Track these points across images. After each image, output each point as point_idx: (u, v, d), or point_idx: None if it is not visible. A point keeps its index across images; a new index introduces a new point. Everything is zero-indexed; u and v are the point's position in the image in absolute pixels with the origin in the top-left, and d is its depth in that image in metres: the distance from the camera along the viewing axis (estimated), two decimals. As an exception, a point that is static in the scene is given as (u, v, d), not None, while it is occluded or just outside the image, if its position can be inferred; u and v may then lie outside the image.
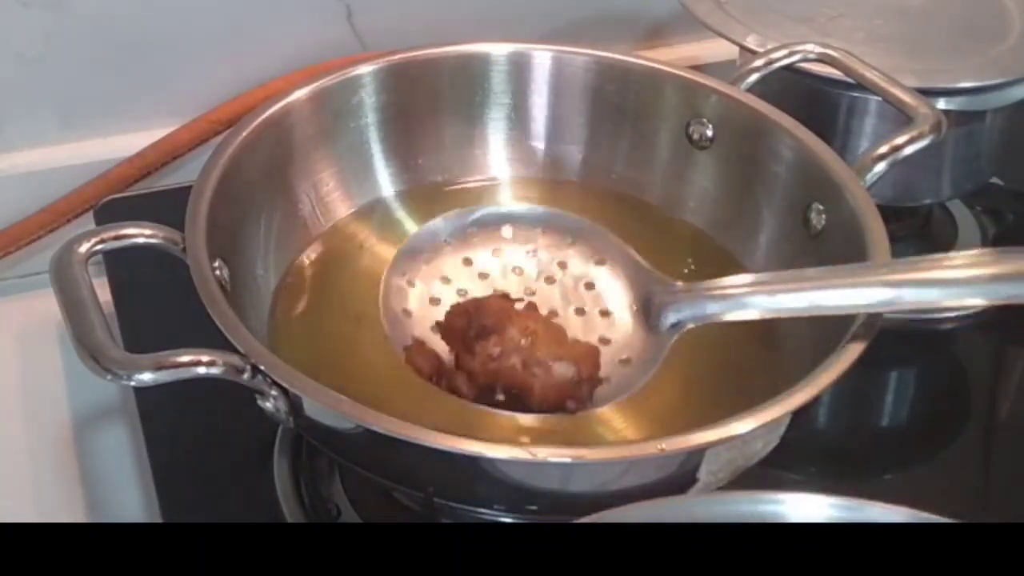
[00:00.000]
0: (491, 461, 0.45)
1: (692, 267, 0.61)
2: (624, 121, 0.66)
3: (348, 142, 0.64)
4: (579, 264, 0.61)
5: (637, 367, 0.56)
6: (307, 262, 0.62)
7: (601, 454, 0.47)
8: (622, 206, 0.65)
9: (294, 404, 0.49)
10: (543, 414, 0.53)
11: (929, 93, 0.62)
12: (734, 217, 0.63)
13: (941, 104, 0.64)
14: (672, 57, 0.82)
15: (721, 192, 0.63)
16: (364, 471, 0.51)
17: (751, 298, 0.54)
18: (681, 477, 0.47)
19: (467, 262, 0.61)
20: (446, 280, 0.60)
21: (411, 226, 0.64)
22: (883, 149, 0.59)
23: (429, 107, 0.66)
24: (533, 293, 0.60)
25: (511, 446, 0.45)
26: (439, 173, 0.66)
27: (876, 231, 0.55)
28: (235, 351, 0.48)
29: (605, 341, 0.58)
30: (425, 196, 0.66)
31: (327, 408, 0.47)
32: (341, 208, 0.64)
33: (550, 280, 0.60)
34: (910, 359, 0.70)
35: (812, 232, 0.59)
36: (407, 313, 0.58)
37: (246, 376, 0.48)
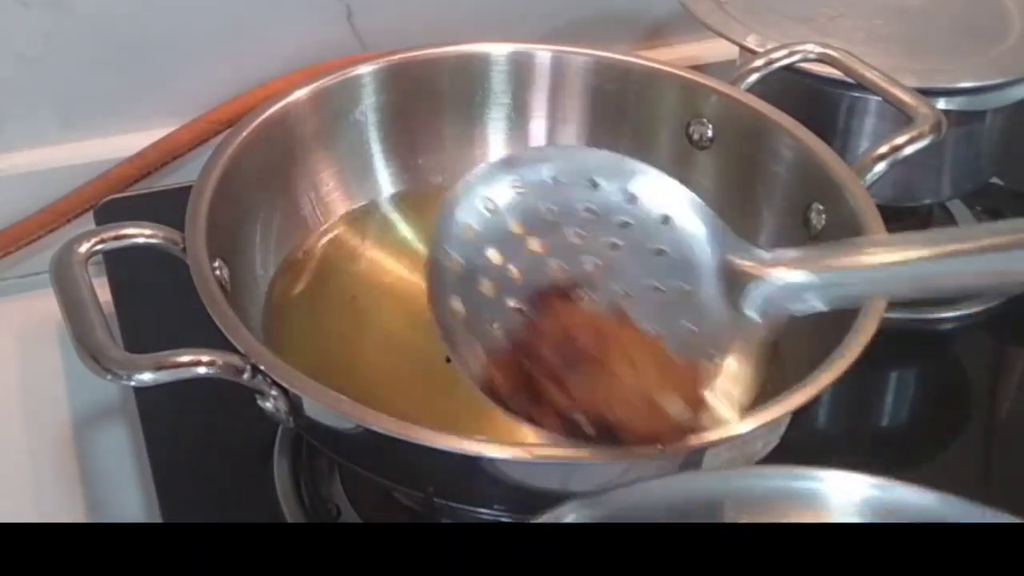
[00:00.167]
0: (491, 461, 0.45)
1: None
2: (624, 121, 0.66)
3: (348, 142, 0.64)
4: (643, 225, 0.50)
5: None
6: (307, 261, 0.62)
7: (601, 454, 0.47)
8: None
9: (294, 404, 0.49)
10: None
11: (929, 93, 0.62)
12: (734, 217, 0.62)
13: (941, 104, 0.64)
14: (672, 57, 0.82)
15: (721, 192, 0.63)
16: (364, 471, 0.51)
17: (903, 271, 0.40)
18: (681, 477, 0.47)
19: (518, 232, 0.49)
20: (502, 260, 0.49)
21: (411, 226, 0.64)
22: (883, 149, 0.59)
23: (429, 107, 0.66)
24: (599, 267, 0.49)
25: (511, 446, 0.45)
26: (439, 173, 0.66)
27: (876, 231, 0.55)
28: (235, 351, 0.48)
29: (691, 333, 0.48)
30: (425, 196, 0.66)
31: (327, 408, 0.47)
32: (341, 208, 0.64)
33: (614, 247, 0.49)
34: (910, 359, 0.70)
35: (812, 232, 0.59)
36: (455, 313, 0.48)
37: (246, 376, 0.48)
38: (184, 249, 0.52)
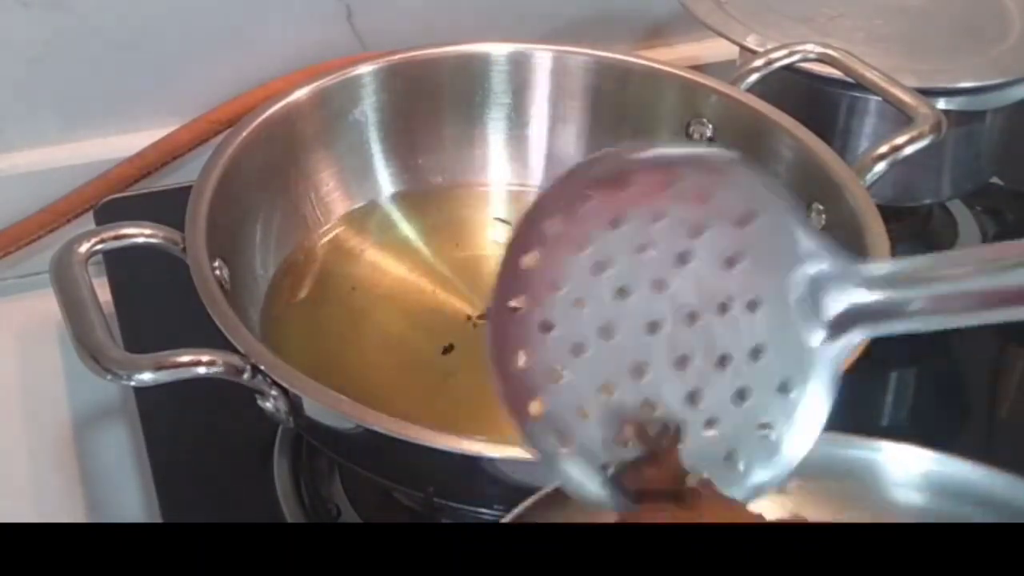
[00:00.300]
0: (491, 461, 0.45)
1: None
2: (624, 121, 0.66)
3: (348, 142, 0.64)
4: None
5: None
6: (307, 262, 0.62)
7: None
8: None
9: (294, 404, 0.49)
10: None
11: (929, 93, 0.62)
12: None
13: (941, 104, 0.64)
14: (672, 57, 0.82)
15: (721, 192, 0.63)
16: (364, 471, 0.51)
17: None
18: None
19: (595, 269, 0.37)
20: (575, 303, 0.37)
21: (411, 226, 0.64)
22: (883, 149, 0.59)
23: (429, 107, 0.66)
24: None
25: (511, 446, 0.45)
26: (439, 173, 0.66)
27: (876, 231, 0.55)
28: (235, 351, 0.48)
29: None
30: (425, 196, 0.66)
31: (327, 408, 0.47)
32: (341, 208, 0.64)
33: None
34: (910, 359, 0.70)
35: (812, 232, 0.59)
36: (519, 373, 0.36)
37: (246, 376, 0.48)
38: (184, 249, 0.52)
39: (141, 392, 0.61)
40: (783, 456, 0.38)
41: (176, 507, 0.56)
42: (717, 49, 0.79)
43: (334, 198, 0.64)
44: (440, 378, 0.57)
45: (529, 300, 0.37)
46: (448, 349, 0.58)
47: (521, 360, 0.36)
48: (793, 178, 0.60)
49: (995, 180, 0.76)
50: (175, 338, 0.47)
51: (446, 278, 0.62)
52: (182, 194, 0.55)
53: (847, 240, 0.55)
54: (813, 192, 0.59)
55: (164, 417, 0.60)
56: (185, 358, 0.47)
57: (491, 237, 0.65)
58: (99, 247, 0.52)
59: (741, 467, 0.38)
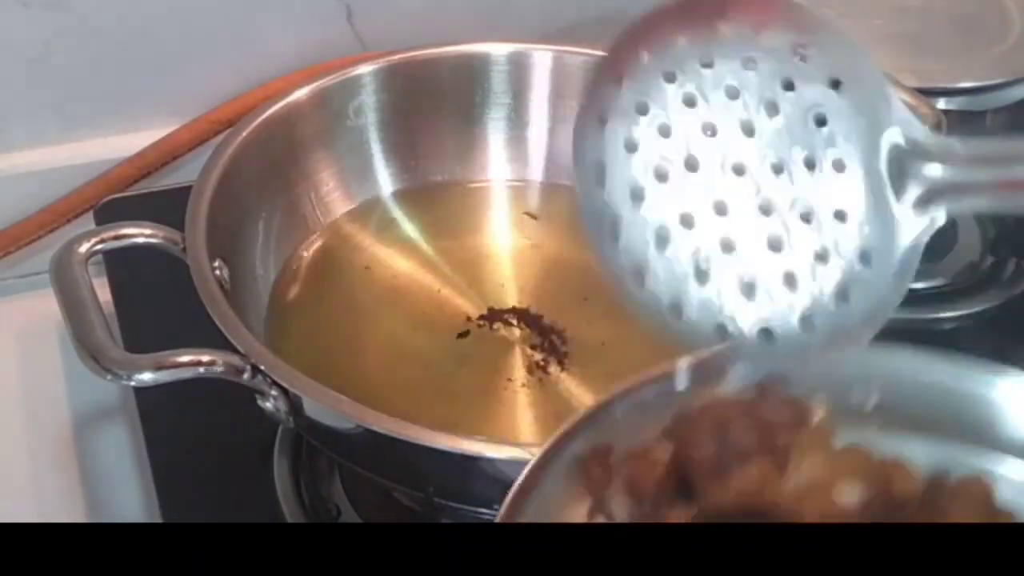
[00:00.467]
0: (491, 461, 0.45)
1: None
2: (624, 121, 0.66)
3: (348, 142, 0.64)
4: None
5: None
6: (307, 262, 0.62)
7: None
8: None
9: (294, 404, 0.49)
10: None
11: (929, 93, 0.62)
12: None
13: (941, 104, 0.64)
14: (672, 57, 0.82)
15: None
16: (364, 471, 0.51)
17: None
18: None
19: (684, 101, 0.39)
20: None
21: (411, 226, 0.64)
22: (883, 149, 0.59)
23: (429, 107, 0.66)
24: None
25: (511, 446, 0.45)
26: (439, 173, 0.66)
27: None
28: (235, 351, 0.48)
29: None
30: (425, 196, 0.66)
31: (327, 408, 0.47)
32: (341, 208, 0.64)
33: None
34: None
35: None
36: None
37: (246, 376, 0.48)
38: (184, 249, 0.52)
39: (141, 392, 0.60)
40: (851, 333, 0.38)
41: (176, 507, 0.56)
42: (717, 49, 0.79)
43: (334, 198, 0.64)
44: (440, 378, 0.57)
45: (617, 118, 0.38)
46: (464, 334, 0.58)
47: (604, 176, 0.37)
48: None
49: (995, 180, 0.76)
50: (175, 338, 0.47)
51: (447, 277, 0.62)
52: (182, 194, 0.55)
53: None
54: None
55: (164, 417, 0.60)
56: (185, 358, 0.47)
57: (492, 236, 0.65)
58: (99, 247, 0.52)
59: (815, 329, 0.37)
